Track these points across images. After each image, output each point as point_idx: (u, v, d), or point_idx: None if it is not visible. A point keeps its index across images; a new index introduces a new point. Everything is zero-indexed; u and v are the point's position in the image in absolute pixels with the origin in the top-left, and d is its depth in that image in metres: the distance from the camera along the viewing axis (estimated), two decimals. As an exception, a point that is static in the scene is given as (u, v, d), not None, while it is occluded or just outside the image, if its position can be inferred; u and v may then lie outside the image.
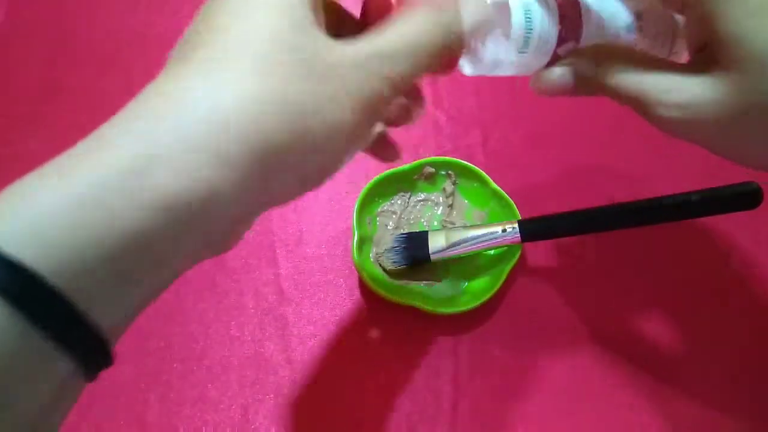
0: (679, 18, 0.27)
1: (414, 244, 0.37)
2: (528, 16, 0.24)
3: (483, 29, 0.24)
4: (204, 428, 0.34)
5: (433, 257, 0.37)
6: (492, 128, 0.45)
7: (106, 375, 0.37)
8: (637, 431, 0.35)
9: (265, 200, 0.20)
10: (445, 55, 0.23)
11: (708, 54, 0.23)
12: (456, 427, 0.34)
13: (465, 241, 0.36)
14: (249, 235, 0.41)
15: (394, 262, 0.38)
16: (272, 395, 0.35)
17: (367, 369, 0.36)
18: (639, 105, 0.24)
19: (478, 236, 0.36)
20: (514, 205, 0.38)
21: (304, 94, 0.19)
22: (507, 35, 0.25)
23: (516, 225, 0.36)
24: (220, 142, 0.17)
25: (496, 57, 0.25)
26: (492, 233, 0.36)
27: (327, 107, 0.19)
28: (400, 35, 0.21)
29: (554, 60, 0.26)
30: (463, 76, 0.48)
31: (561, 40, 0.26)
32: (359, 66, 0.20)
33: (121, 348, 0.38)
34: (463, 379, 0.36)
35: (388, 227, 0.40)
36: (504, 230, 0.36)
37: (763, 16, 0.21)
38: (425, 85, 0.47)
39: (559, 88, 0.26)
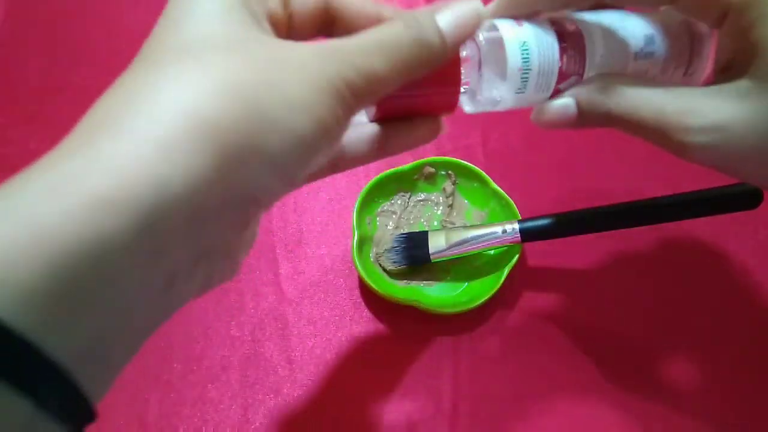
0: (704, 31, 0.25)
1: (414, 245, 0.37)
2: (525, 55, 0.23)
3: (473, 63, 0.24)
4: (204, 428, 0.34)
5: (433, 257, 0.37)
6: (492, 128, 0.45)
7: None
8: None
9: (239, 192, 0.18)
10: (422, 63, 0.21)
11: (736, 71, 0.22)
12: (456, 427, 0.34)
13: (465, 241, 0.36)
14: (249, 235, 0.41)
15: (394, 262, 0.38)
16: (272, 395, 0.35)
17: (366, 369, 0.36)
18: (656, 132, 0.22)
19: (478, 236, 0.36)
20: (514, 205, 0.38)
21: (258, 73, 0.18)
22: (503, 75, 0.23)
23: (516, 225, 0.36)
24: (166, 132, 0.16)
25: (493, 96, 0.24)
26: (492, 233, 0.36)
27: (285, 84, 0.18)
28: (371, 34, 0.21)
29: (556, 94, 0.25)
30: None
31: (562, 76, 0.24)
32: (323, 55, 0.19)
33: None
34: (463, 379, 0.36)
35: (388, 227, 0.40)
36: (504, 230, 0.36)
37: None
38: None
39: (562, 120, 0.25)
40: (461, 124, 0.45)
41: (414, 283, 0.38)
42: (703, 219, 0.35)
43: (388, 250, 0.38)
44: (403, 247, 0.38)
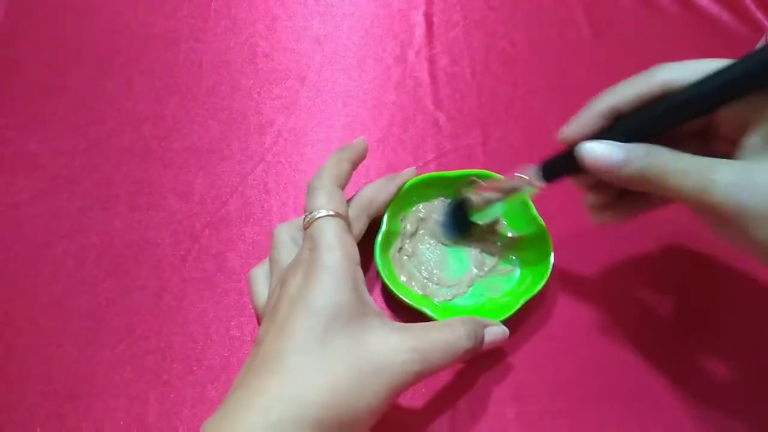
0: None
1: (457, 217, 0.38)
2: None
3: None
4: (204, 428, 0.34)
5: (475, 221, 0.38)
6: (492, 128, 0.45)
7: (106, 375, 0.37)
8: None
9: None
10: (469, 355, 0.31)
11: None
12: (456, 427, 0.34)
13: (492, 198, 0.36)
14: (249, 235, 0.41)
15: (445, 237, 0.39)
16: (272, 395, 0.35)
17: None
18: (688, 175, 0.26)
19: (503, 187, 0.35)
20: (549, 236, 0.37)
21: (353, 388, 0.26)
22: None
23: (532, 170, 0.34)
24: (279, 416, 0.25)
25: None
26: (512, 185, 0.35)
27: (369, 398, 0.27)
28: (442, 335, 0.30)
29: None
30: (462, 76, 0.48)
31: None
32: (398, 360, 0.28)
33: (121, 348, 0.38)
34: (464, 379, 0.36)
35: (420, 230, 0.40)
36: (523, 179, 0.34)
37: None
38: (426, 86, 0.47)
39: (605, 162, 0.29)
40: (461, 123, 0.45)
41: (426, 294, 0.38)
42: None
43: (439, 226, 0.39)
44: (448, 223, 0.39)
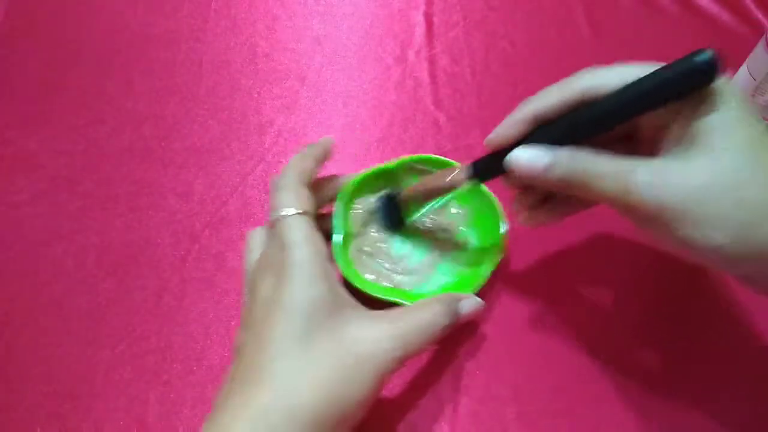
0: None
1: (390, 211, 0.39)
2: None
3: None
4: (204, 428, 0.34)
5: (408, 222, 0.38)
6: (492, 128, 0.45)
7: (106, 375, 0.37)
8: None
9: None
10: (447, 331, 0.31)
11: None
12: (456, 427, 0.34)
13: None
14: (249, 235, 0.41)
15: (382, 227, 0.39)
16: (272, 395, 0.35)
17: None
18: (609, 178, 0.27)
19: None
20: (497, 204, 0.37)
21: (340, 382, 0.27)
22: None
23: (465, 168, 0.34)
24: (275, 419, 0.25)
25: None
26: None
27: (357, 390, 0.27)
28: (421, 316, 0.30)
29: None
30: (462, 76, 0.49)
31: None
32: (380, 349, 0.28)
33: (121, 348, 0.38)
34: (464, 379, 0.36)
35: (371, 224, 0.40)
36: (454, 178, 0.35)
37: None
38: (426, 86, 0.47)
39: (530, 167, 0.29)
40: (461, 123, 0.45)
41: (396, 285, 0.38)
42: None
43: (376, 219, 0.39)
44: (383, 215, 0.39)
